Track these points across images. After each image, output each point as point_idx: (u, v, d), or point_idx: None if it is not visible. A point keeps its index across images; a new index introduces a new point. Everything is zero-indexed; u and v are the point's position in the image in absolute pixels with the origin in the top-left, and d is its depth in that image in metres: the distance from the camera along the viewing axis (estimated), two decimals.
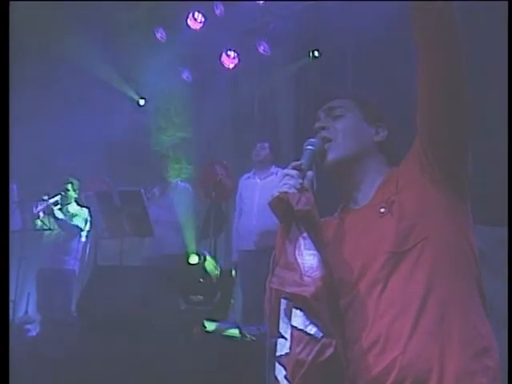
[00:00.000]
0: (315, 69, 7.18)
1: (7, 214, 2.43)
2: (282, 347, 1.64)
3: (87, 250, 6.71)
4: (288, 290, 1.64)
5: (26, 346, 5.10)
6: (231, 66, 7.76)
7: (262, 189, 5.69)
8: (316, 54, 7.20)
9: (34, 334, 5.75)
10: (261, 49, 7.54)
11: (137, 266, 6.16)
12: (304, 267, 1.64)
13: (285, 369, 1.62)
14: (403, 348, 1.60)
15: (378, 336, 1.63)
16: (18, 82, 5.80)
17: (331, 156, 1.84)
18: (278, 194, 1.69)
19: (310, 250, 1.67)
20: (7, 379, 2.20)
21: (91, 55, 7.46)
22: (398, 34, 6.04)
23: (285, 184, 1.71)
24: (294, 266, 1.66)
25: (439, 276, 1.64)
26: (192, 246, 5.71)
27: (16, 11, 3.41)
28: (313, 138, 1.85)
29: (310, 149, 1.81)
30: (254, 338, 4.64)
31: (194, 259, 5.32)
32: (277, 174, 5.44)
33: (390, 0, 5.84)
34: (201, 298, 5.12)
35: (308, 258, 1.66)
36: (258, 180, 5.84)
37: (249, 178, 5.98)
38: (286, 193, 1.68)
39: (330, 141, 1.85)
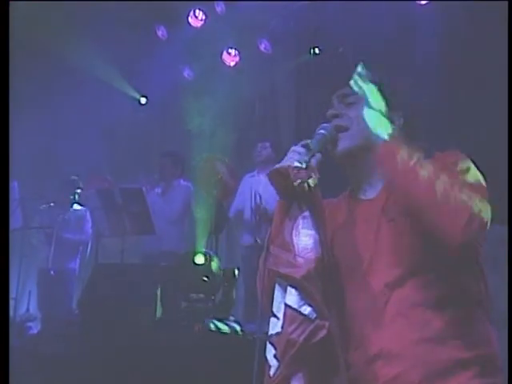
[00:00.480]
0: (316, 67, 7.18)
1: (7, 211, 2.42)
2: (274, 326, 1.62)
3: (88, 248, 6.70)
4: (282, 270, 1.63)
5: (27, 343, 5.11)
6: (232, 63, 7.76)
7: (266, 185, 5.65)
8: (316, 51, 7.19)
9: (35, 331, 5.76)
10: (262, 47, 7.54)
11: (138, 263, 6.16)
12: (298, 248, 1.63)
13: (274, 348, 1.60)
14: (405, 365, 1.58)
15: (381, 348, 1.61)
16: (18, 82, 5.80)
17: (343, 145, 1.79)
18: (278, 166, 1.66)
19: (307, 229, 1.65)
20: (7, 378, 2.20)
21: (92, 53, 7.45)
22: (399, 31, 6.06)
23: (290, 158, 1.68)
24: (289, 247, 1.64)
25: (448, 297, 1.62)
26: (199, 246, 5.69)
27: (16, 11, 3.41)
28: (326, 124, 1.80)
29: (322, 133, 1.77)
30: (255, 335, 4.65)
31: (200, 259, 5.30)
32: None
33: (388, 0, 5.86)
34: (202, 296, 5.12)
35: (304, 238, 1.64)
36: (262, 177, 5.81)
37: (253, 176, 5.98)
38: (289, 166, 1.65)
39: (343, 129, 1.80)
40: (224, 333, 4.65)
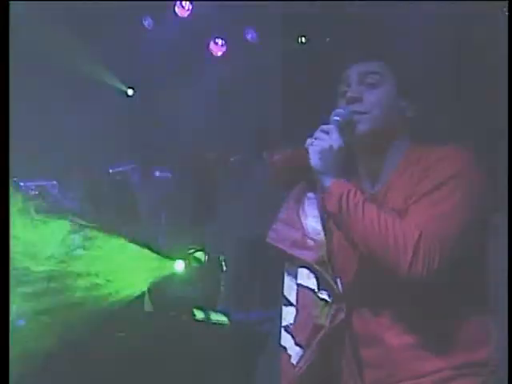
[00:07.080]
0: (303, 56, 7.17)
1: (7, 207, 2.40)
2: (290, 315, 1.56)
3: (75, 240, 6.65)
4: (288, 250, 1.54)
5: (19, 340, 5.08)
6: (219, 53, 7.74)
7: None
8: (303, 40, 7.17)
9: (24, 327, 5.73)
10: (248, 36, 7.53)
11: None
12: (307, 228, 1.53)
13: (292, 336, 1.53)
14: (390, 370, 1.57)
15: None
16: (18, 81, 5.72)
17: (362, 127, 1.70)
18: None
19: (313, 210, 1.56)
20: (7, 376, 2.18)
21: (78, 45, 7.40)
22: (387, 16, 6.06)
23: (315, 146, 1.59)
24: (296, 225, 1.55)
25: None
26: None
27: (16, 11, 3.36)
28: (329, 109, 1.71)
29: (336, 120, 1.66)
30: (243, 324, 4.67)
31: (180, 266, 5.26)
32: None
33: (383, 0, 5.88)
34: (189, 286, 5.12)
35: (312, 219, 1.55)
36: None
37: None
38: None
39: (361, 113, 1.71)
40: (213, 322, 4.66)
